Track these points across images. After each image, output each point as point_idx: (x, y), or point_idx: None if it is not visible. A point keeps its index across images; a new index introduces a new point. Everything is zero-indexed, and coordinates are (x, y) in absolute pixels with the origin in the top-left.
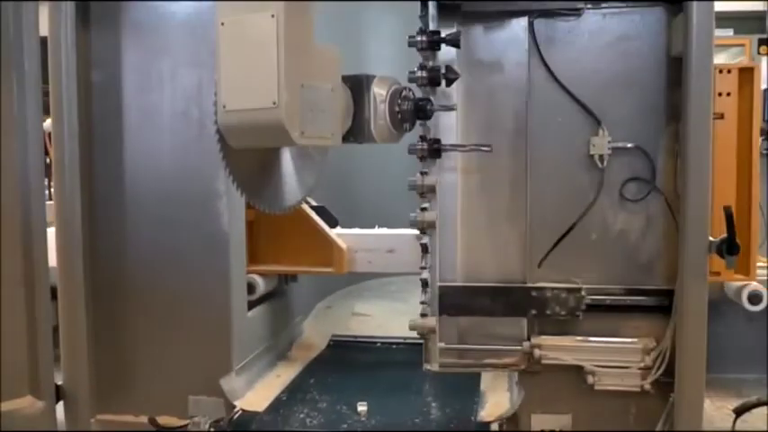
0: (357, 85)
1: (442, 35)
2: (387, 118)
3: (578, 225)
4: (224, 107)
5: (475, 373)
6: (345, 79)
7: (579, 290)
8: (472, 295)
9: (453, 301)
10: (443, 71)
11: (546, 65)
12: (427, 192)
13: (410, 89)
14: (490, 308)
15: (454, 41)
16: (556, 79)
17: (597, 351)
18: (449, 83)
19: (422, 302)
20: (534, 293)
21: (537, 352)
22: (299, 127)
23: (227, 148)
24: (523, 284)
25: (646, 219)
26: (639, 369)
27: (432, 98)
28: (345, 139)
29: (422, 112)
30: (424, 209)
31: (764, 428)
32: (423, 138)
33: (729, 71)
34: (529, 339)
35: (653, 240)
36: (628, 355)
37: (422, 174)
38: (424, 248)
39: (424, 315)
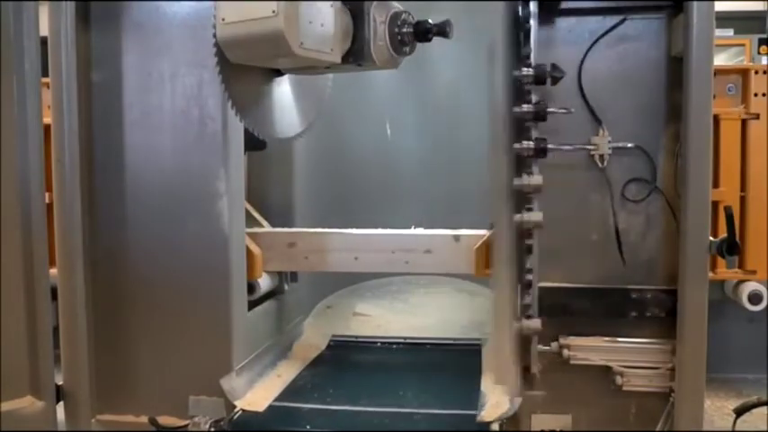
0: (357, 7)
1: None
2: (386, 39)
3: (579, 225)
4: (222, 20)
5: (475, 373)
6: (345, 2)
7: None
8: (572, 297)
9: (553, 303)
10: (549, 69)
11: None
12: (533, 192)
13: (409, 13)
14: (590, 309)
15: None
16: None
17: (625, 352)
18: (554, 81)
19: (525, 305)
20: (634, 295)
21: (566, 352)
22: (299, 37)
23: (227, 71)
24: (624, 286)
25: (646, 219)
26: (668, 370)
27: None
28: (345, 59)
29: (423, 35)
30: (529, 209)
31: (764, 428)
32: (528, 138)
33: (765, 72)
34: (557, 340)
35: (653, 240)
36: (656, 355)
37: (527, 173)
38: (528, 249)
39: (528, 317)
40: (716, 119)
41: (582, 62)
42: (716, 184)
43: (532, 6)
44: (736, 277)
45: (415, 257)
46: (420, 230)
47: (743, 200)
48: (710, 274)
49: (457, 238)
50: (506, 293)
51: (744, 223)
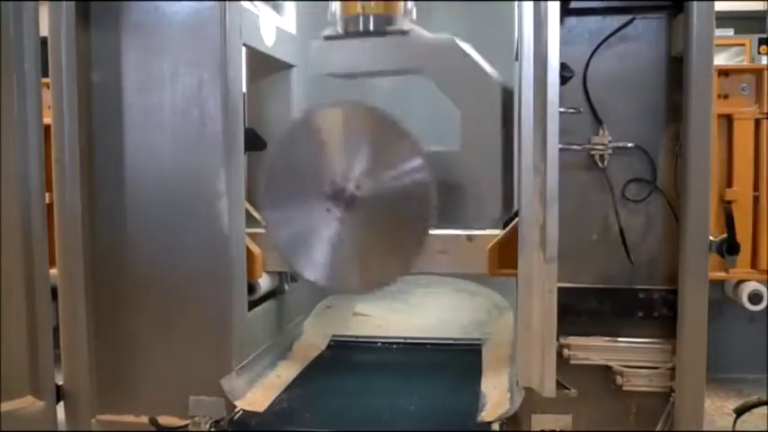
0: None
1: None
2: None
3: (579, 225)
4: None
5: (475, 373)
6: None
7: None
8: (576, 297)
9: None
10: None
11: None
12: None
13: None
14: (596, 309)
15: None
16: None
17: (625, 351)
18: (564, 81)
19: None
20: (642, 295)
21: (566, 352)
22: None
23: None
24: (631, 286)
25: (646, 219)
26: (668, 370)
27: None
28: None
29: None
30: None
31: (765, 428)
32: None
33: None
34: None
35: (654, 240)
36: (656, 355)
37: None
38: None
39: None
40: (729, 119)
41: (588, 62)
42: (729, 184)
43: (553, 6)
44: (750, 277)
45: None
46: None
47: (756, 199)
48: (722, 274)
49: (470, 237)
50: None
51: (757, 223)
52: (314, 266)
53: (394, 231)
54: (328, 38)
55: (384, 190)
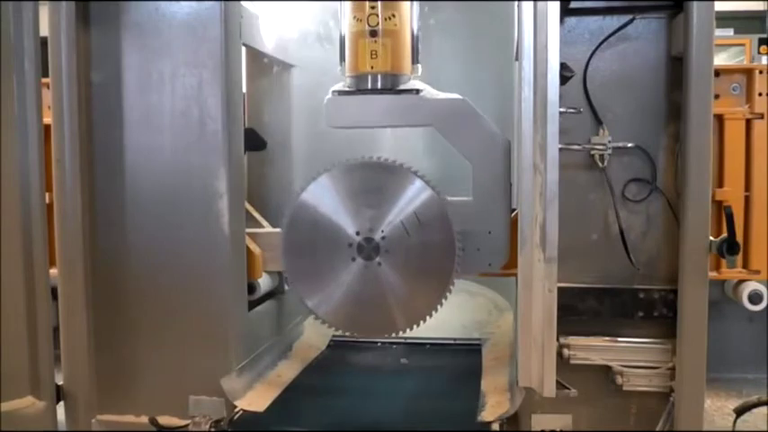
0: None
1: None
2: None
3: (579, 225)
4: None
5: (475, 373)
6: None
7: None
8: (577, 297)
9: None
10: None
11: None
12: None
13: None
14: (596, 309)
15: None
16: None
17: (625, 351)
18: (564, 81)
19: None
20: (642, 295)
21: (566, 352)
22: None
23: None
24: (631, 286)
25: (646, 219)
26: (668, 370)
27: None
28: None
29: None
30: None
31: (765, 428)
32: None
33: None
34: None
35: (654, 240)
36: (656, 355)
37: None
38: None
39: None
40: (720, 119)
41: (588, 62)
42: (720, 184)
43: (553, 6)
44: (740, 277)
45: None
46: None
47: (747, 200)
48: (714, 274)
49: None
50: None
51: (748, 223)
52: (338, 314)
53: (419, 278)
54: (341, 93)
55: (409, 239)
